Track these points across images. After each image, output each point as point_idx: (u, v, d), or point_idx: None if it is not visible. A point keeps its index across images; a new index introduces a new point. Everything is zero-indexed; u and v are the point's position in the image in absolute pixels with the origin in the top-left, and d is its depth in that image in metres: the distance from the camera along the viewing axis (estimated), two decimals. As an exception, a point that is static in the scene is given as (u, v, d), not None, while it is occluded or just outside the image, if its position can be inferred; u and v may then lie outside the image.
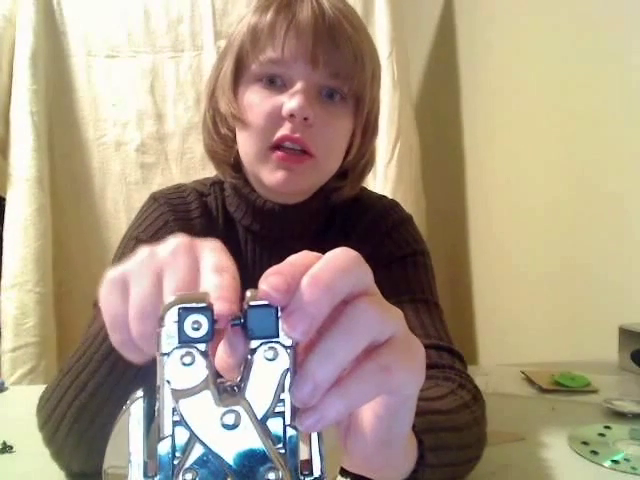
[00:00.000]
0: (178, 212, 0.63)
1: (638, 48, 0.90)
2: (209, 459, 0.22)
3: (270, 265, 0.24)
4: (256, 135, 0.57)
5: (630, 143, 0.93)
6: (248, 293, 0.24)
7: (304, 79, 0.55)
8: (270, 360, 0.23)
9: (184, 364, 0.22)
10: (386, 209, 0.68)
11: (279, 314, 0.23)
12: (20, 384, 1.25)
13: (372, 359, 0.25)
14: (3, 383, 0.79)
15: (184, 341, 0.22)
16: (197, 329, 0.22)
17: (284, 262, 0.25)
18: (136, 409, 0.23)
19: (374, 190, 0.75)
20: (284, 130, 0.55)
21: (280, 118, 0.55)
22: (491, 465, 0.51)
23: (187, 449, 0.22)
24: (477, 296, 1.53)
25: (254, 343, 0.23)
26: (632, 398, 0.69)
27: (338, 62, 0.55)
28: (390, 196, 0.73)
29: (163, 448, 0.22)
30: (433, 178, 1.62)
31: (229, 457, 0.22)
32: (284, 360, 0.23)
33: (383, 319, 0.25)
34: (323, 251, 0.25)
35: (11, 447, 0.58)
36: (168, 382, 0.22)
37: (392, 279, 0.60)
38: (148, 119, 1.44)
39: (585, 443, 0.58)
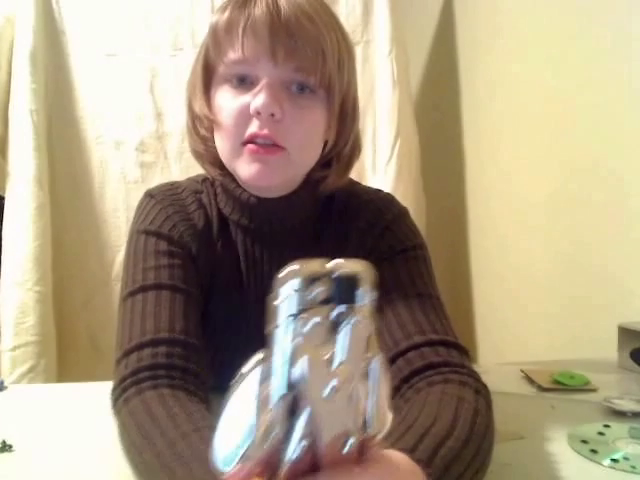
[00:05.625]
0: (176, 206, 0.65)
1: (638, 43, 0.90)
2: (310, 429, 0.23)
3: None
4: (228, 135, 0.58)
5: (631, 140, 0.93)
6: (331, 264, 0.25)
7: (268, 76, 0.56)
8: (354, 325, 0.24)
9: (305, 331, 0.23)
10: (384, 203, 0.68)
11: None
12: (20, 383, 1.25)
13: None
14: (2, 382, 0.79)
15: (305, 309, 0.23)
16: (318, 297, 0.23)
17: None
18: (254, 375, 0.24)
19: (374, 188, 0.75)
20: (253, 128, 0.56)
21: (248, 116, 0.56)
22: (490, 464, 0.51)
23: (297, 414, 0.23)
24: (476, 294, 1.53)
25: (340, 308, 0.24)
26: (632, 397, 0.69)
27: (299, 57, 0.56)
28: (390, 194, 0.73)
29: (276, 409, 0.23)
30: (433, 176, 1.62)
31: (325, 427, 0.23)
32: (368, 323, 0.24)
33: None
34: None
35: (11, 446, 0.58)
36: (292, 343, 0.23)
37: (395, 273, 0.61)
38: (147, 118, 1.44)
39: (584, 442, 0.58)
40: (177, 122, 1.44)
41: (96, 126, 1.43)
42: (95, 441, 0.60)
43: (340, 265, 0.24)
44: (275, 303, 0.24)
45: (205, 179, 0.69)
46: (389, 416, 0.26)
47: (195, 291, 0.61)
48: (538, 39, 1.20)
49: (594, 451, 0.56)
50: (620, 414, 0.66)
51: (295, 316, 0.23)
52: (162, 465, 0.41)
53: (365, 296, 0.24)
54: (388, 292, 0.59)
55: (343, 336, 0.24)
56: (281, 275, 0.24)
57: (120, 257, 1.42)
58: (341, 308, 0.24)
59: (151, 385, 0.50)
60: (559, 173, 1.13)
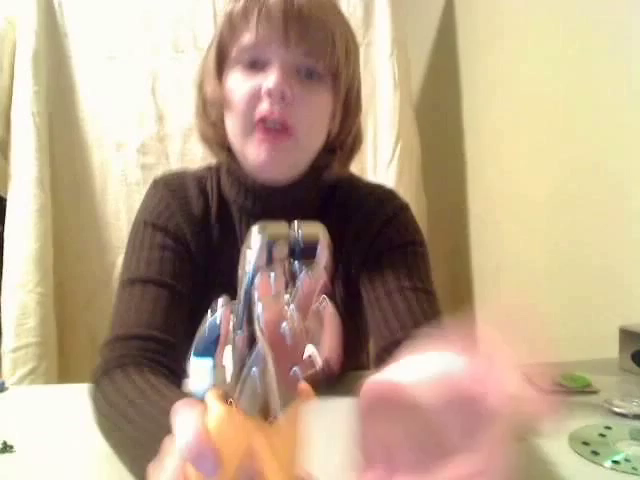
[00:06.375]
0: (176, 193, 0.67)
1: (638, 43, 0.90)
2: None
3: None
4: (239, 116, 0.61)
5: (631, 140, 0.93)
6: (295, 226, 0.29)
7: (279, 59, 0.59)
8: (309, 276, 0.28)
9: (269, 278, 0.27)
10: (386, 196, 0.70)
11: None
12: (21, 384, 1.25)
13: None
14: (3, 383, 0.79)
15: (269, 262, 0.27)
16: (280, 251, 0.27)
17: None
18: (219, 316, 0.29)
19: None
20: (264, 107, 0.59)
21: (259, 98, 0.59)
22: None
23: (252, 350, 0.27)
24: (477, 297, 1.52)
25: (298, 262, 0.28)
26: (633, 399, 0.69)
27: (309, 41, 0.59)
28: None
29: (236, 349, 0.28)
30: (433, 176, 1.62)
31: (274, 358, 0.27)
32: (321, 275, 0.28)
33: None
34: None
35: (11, 447, 0.58)
36: (257, 298, 0.27)
37: (394, 266, 0.63)
38: (149, 120, 1.44)
39: (586, 443, 0.58)
40: (178, 124, 1.44)
41: (97, 128, 1.44)
42: (95, 442, 0.60)
43: (300, 226, 0.29)
44: (245, 254, 0.27)
45: (212, 167, 0.71)
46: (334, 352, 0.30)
47: (184, 287, 0.63)
48: (538, 39, 1.20)
49: (595, 453, 0.55)
50: (621, 416, 0.66)
51: (260, 267, 0.27)
52: (129, 421, 0.46)
53: (320, 253, 0.28)
54: (386, 283, 0.60)
55: (299, 285, 0.28)
56: (252, 232, 0.28)
57: (121, 259, 1.42)
58: (299, 262, 0.28)
59: (131, 362, 0.55)
60: (559, 173, 1.13)
